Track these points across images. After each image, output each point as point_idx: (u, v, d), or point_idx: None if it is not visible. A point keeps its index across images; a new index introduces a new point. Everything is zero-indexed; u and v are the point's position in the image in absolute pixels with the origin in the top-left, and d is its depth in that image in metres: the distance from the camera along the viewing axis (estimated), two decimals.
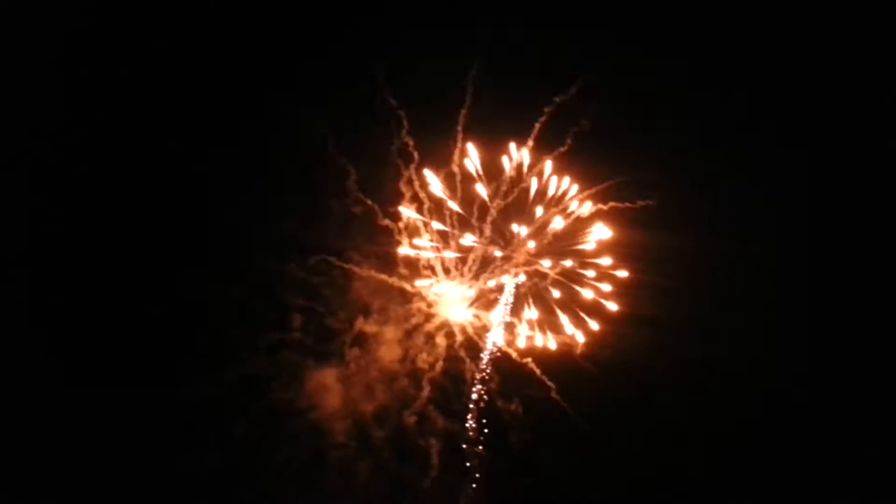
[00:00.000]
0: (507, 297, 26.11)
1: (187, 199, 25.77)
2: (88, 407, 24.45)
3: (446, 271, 26.15)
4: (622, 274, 27.15)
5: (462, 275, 26.11)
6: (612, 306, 26.86)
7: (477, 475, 25.36)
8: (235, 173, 25.20)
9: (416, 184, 25.40)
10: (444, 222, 25.72)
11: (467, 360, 25.74)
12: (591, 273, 27.11)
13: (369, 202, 25.50)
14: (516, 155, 26.36)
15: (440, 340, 25.71)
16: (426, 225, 25.76)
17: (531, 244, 26.17)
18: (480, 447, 25.47)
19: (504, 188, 26.47)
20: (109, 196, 25.81)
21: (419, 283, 26.28)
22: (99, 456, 24.20)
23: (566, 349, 26.52)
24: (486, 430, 25.65)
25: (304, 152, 25.28)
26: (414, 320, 25.69)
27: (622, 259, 27.16)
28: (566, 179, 26.85)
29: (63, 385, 24.68)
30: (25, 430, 24.45)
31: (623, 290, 26.91)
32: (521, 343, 26.67)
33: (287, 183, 25.27)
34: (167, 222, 25.75)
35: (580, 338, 26.78)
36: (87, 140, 26.08)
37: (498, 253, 25.75)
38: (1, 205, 25.31)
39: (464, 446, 25.24)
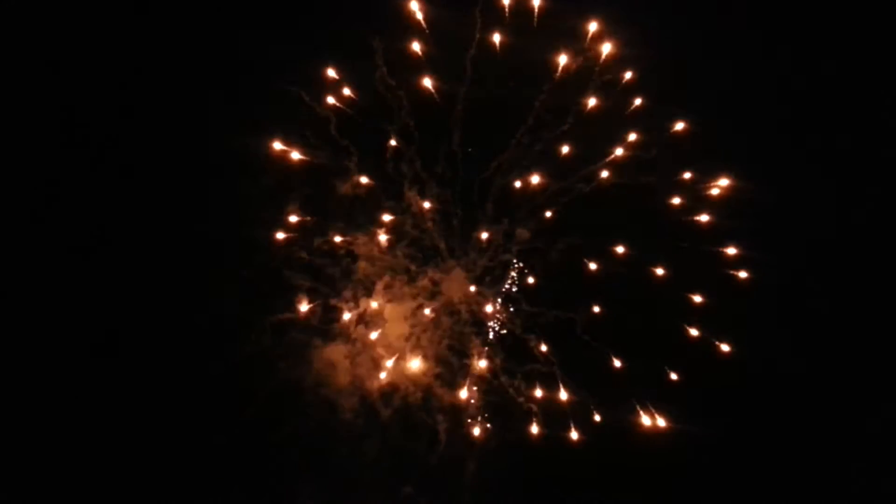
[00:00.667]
0: (507, 278, 26.19)
1: (190, 183, 26.09)
2: (96, 389, 24.63)
3: (450, 251, 26.43)
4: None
5: (466, 253, 26.38)
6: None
7: (482, 451, 25.44)
8: (238, 155, 25.52)
9: (418, 164, 25.78)
10: (446, 201, 26.07)
11: (472, 337, 25.91)
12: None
13: (372, 182, 25.86)
14: None
15: (445, 318, 25.92)
16: (429, 205, 26.04)
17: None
18: (487, 424, 25.54)
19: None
20: (114, 182, 26.14)
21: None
22: (106, 438, 24.31)
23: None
24: (486, 408, 25.71)
25: (308, 133, 25.70)
26: (419, 298, 25.94)
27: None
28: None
29: (68, 368, 24.91)
30: (30, 417, 24.69)
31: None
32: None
33: (290, 166, 25.56)
34: (170, 208, 26.06)
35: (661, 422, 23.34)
36: (89, 125, 26.45)
37: (485, 235, 25.54)
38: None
39: (468, 421, 25.35)
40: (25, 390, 24.60)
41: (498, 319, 25.90)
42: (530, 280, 25.63)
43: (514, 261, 26.05)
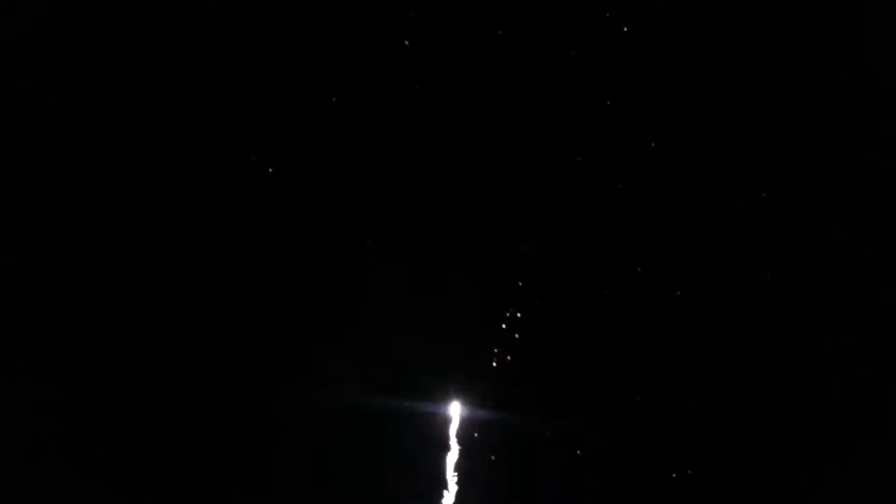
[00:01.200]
0: (510, 299, 25.42)
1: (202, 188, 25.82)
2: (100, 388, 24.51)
3: (451, 267, 25.85)
4: None
5: (467, 270, 25.78)
6: None
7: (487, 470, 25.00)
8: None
9: (416, 172, 25.13)
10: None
11: (475, 361, 25.32)
12: None
13: (367, 194, 25.26)
14: None
15: (447, 338, 25.35)
16: (428, 218, 25.46)
17: None
18: (491, 457, 24.98)
19: None
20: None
21: None
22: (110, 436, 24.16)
23: None
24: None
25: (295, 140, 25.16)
26: (420, 314, 25.36)
27: None
28: None
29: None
30: None
31: None
32: None
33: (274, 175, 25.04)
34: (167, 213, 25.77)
35: None
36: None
37: (487, 250, 24.15)
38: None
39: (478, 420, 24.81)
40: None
41: (500, 348, 25.23)
42: (536, 302, 24.66)
43: (519, 282, 25.18)
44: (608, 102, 17.90)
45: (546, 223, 19.40)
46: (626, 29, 16.46)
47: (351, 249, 14.40)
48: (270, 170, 10.74)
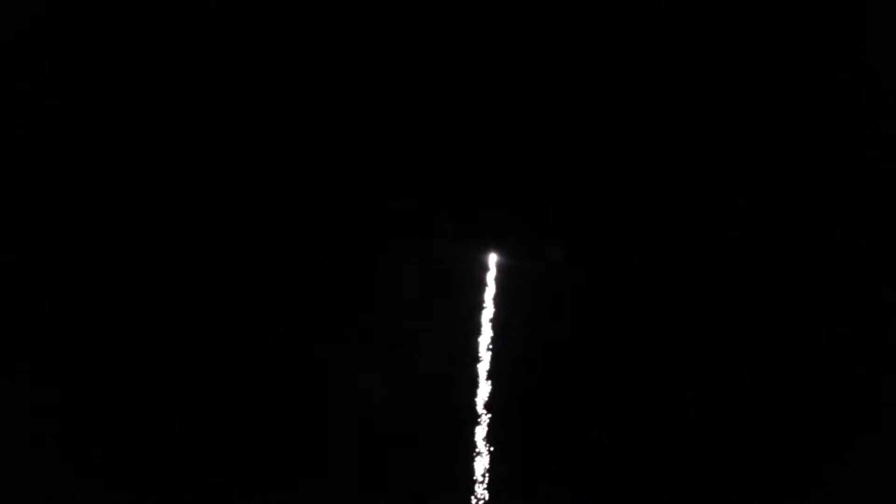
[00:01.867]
0: (534, 309, 25.09)
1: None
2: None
3: (469, 278, 25.63)
4: None
5: (485, 280, 25.54)
6: None
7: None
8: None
9: (430, 177, 24.96)
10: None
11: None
12: None
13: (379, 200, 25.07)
14: None
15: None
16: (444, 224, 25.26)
17: None
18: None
19: None
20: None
21: None
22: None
23: None
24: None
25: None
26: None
27: None
28: None
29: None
30: None
31: None
32: None
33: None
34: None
35: None
36: None
37: (508, 257, 24.23)
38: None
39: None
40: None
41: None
42: (562, 313, 24.13)
43: (542, 288, 24.73)
44: (609, 103, 17.44)
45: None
46: (626, 31, 16.11)
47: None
48: (270, 170, 10.67)
